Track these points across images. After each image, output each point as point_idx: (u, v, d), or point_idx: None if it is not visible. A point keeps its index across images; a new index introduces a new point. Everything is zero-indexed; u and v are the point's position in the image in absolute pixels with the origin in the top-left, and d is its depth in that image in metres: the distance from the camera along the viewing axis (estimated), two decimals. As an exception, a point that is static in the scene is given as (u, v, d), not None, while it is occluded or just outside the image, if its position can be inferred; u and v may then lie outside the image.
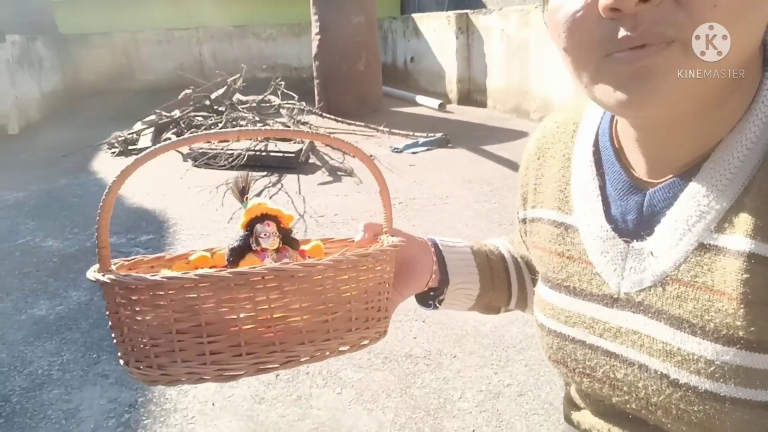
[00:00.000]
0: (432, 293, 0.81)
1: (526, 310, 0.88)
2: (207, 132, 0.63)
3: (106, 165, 5.26)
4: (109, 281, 0.56)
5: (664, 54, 0.46)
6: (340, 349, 0.63)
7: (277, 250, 0.68)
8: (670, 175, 0.56)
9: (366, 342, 0.66)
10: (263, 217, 0.69)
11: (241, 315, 0.56)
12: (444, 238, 0.84)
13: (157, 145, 0.58)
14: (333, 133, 5.66)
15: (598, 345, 0.60)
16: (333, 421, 1.86)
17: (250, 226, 0.69)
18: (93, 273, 0.58)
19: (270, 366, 0.58)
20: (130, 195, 4.20)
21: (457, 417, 1.85)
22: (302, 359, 0.60)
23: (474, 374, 2.06)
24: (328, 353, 0.62)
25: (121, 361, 0.59)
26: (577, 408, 0.70)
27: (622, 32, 0.47)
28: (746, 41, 0.47)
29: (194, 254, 0.74)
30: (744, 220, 0.50)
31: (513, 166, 4.56)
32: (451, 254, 0.82)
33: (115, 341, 0.60)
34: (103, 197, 0.55)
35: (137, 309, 0.56)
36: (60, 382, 2.09)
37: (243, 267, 0.60)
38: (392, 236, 0.76)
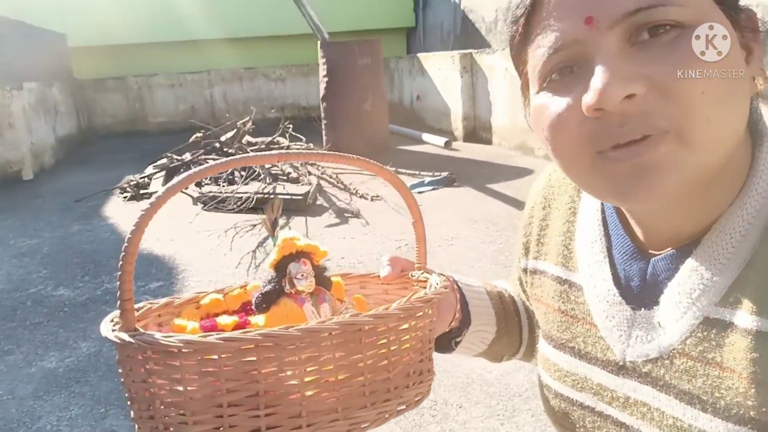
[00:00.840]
0: (451, 334, 0.76)
1: (531, 361, 0.84)
2: (240, 157, 0.55)
3: (117, 210, 5.35)
4: (138, 344, 0.47)
5: (661, 147, 0.46)
6: (398, 409, 0.56)
7: (312, 293, 0.61)
8: (675, 244, 0.55)
9: (420, 398, 0.60)
10: (297, 255, 0.61)
11: (305, 379, 0.49)
12: (460, 277, 0.80)
13: (178, 179, 0.51)
14: (341, 173, 5.73)
15: (608, 413, 0.59)
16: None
17: (281, 264, 0.61)
18: (114, 331, 0.49)
19: None
20: (141, 241, 4.26)
21: (462, 472, 1.84)
22: (363, 426, 0.53)
23: (480, 425, 2.05)
24: (387, 416, 0.55)
25: None
26: None
27: (610, 129, 0.47)
28: (736, 123, 0.48)
29: (205, 297, 0.67)
30: (749, 296, 0.49)
31: (518, 204, 4.58)
32: (471, 293, 0.78)
33: (135, 418, 0.51)
34: (125, 245, 0.49)
35: (176, 377, 0.47)
36: (68, 437, 2.11)
37: (301, 324, 0.50)
38: (424, 272, 0.70)
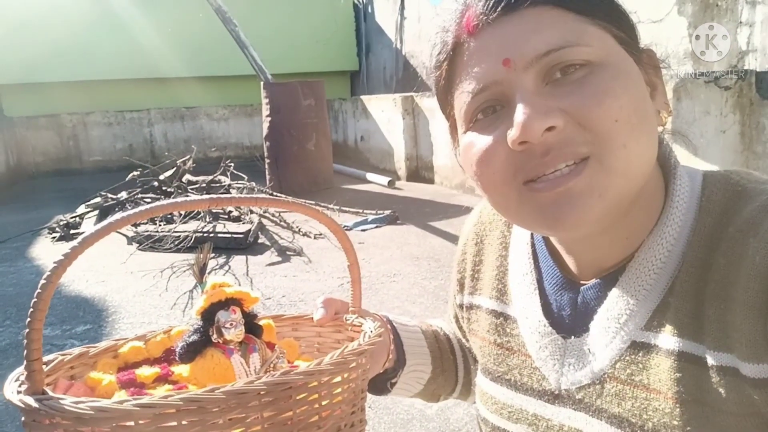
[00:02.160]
0: (386, 375, 0.75)
1: (467, 399, 0.85)
2: (158, 204, 0.52)
3: (45, 251, 5.08)
4: (46, 411, 0.43)
5: (583, 174, 0.49)
6: None
7: (241, 341, 0.59)
8: (600, 275, 0.58)
9: None
10: (227, 302, 0.58)
11: None
12: (395, 316, 0.80)
13: (100, 226, 0.48)
14: (283, 212, 5.68)
15: None
16: None
17: (209, 312, 0.58)
18: (18, 394, 0.45)
19: None
20: (68, 282, 4.05)
21: None
22: None
23: (420, 462, 2.02)
24: None
25: None
26: None
27: (534, 160, 0.50)
28: (649, 150, 0.52)
29: (125, 345, 0.63)
30: (670, 320, 0.52)
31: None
32: (406, 333, 0.78)
33: None
34: (35, 300, 0.45)
35: None
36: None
37: (227, 383, 0.47)
38: (358, 315, 0.69)
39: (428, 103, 7.47)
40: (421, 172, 7.87)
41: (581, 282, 0.60)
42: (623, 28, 0.53)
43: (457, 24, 0.54)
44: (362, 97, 9.49)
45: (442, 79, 0.58)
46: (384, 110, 8.46)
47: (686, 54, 4.21)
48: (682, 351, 0.50)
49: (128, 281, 4.10)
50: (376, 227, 5.37)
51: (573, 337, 0.59)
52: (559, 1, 0.51)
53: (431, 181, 7.62)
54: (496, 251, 0.71)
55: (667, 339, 0.51)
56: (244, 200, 0.57)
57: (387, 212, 5.62)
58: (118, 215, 0.49)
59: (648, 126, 0.51)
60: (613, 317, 0.55)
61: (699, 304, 0.50)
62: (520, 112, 0.49)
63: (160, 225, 5.27)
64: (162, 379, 0.60)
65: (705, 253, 0.52)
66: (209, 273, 0.59)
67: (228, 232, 4.86)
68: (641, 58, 0.54)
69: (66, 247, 0.46)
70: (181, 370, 0.61)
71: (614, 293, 0.55)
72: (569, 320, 0.60)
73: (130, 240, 5.09)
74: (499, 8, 0.51)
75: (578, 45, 0.50)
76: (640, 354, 0.53)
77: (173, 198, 6.24)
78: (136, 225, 5.26)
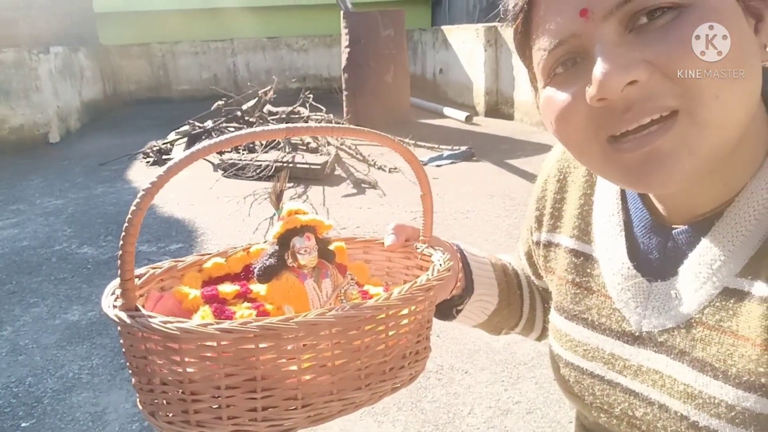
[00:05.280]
0: (453, 302, 0.77)
1: (529, 335, 0.86)
2: (248, 131, 0.53)
3: (140, 174, 5.45)
4: (139, 327, 0.47)
5: (671, 132, 0.46)
6: (393, 388, 0.57)
7: (314, 267, 0.61)
8: (694, 218, 0.56)
9: (414, 376, 0.60)
10: (301, 229, 0.61)
11: (303, 366, 0.50)
12: (466, 245, 0.80)
13: (182, 156, 0.49)
14: (359, 145, 5.75)
15: (618, 382, 0.60)
16: (344, 432, 1.92)
17: (285, 237, 0.61)
18: (115, 310, 0.49)
19: (325, 416, 0.52)
20: (162, 204, 4.36)
21: (465, 432, 1.89)
22: (356, 405, 0.54)
23: (484, 390, 2.10)
24: (381, 395, 0.56)
25: (145, 411, 0.51)
26: None
27: (615, 116, 0.47)
28: (747, 97, 0.47)
29: (208, 260, 0.67)
30: (767, 267, 0.50)
31: (536, 180, 4.56)
32: (476, 263, 0.79)
33: (136, 386, 0.52)
34: (126, 225, 0.48)
35: (175, 359, 0.48)
36: (89, 385, 2.21)
37: (302, 313, 0.49)
38: (429, 244, 0.70)
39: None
40: (500, 107, 7.64)
41: (673, 226, 0.58)
42: None
43: None
44: (443, 27, 9.17)
45: (518, 32, 0.56)
46: (465, 41, 8.17)
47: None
48: None
49: (215, 205, 4.36)
50: (452, 163, 5.34)
51: (660, 280, 0.57)
52: None
53: (511, 117, 7.39)
54: (580, 189, 0.69)
55: (762, 287, 0.50)
56: (319, 129, 0.57)
57: (463, 148, 5.55)
58: (199, 145, 0.51)
59: (747, 69, 0.47)
60: (705, 263, 0.53)
61: None
62: (598, 67, 0.46)
63: (243, 154, 5.49)
64: (241, 296, 0.64)
65: None
66: (288, 200, 0.63)
67: (306, 163, 4.99)
68: None
69: (158, 171, 0.49)
70: (259, 288, 0.64)
71: (709, 238, 0.53)
72: (657, 264, 0.58)
73: (216, 167, 5.35)
74: None
75: None
76: (732, 301, 0.52)
77: (255, 127, 6.47)
78: (221, 153, 5.50)
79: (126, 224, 0.48)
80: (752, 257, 0.51)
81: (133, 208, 0.48)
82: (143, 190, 0.48)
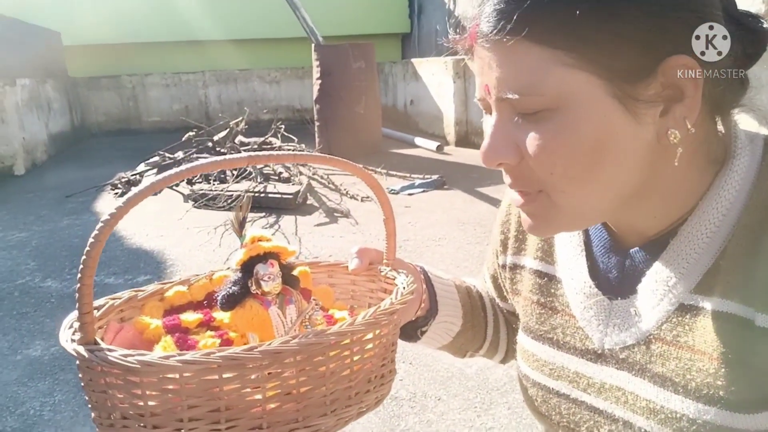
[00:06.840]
0: (417, 323, 0.78)
1: (493, 358, 0.87)
2: (209, 161, 0.53)
3: (107, 206, 5.36)
4: (98, 361, 0.46)
5: (535, 204, 0.55)
6: (358, 413, 0.57)
7: (278, 293, 0.61)
8: (647, 239, 0.58)
9: (380, 399, 0.60)
10: (265, 256, 0.60)
11: (267, 394, 0.50)
12: (431, 267, 0.82)
13: (141, 187, 0.49)
14: (331, 174, 5.77)
15: (582, 400, 0.61)
16: (316, 464, 1.87)
17: (248, 264, 0.60)
18: (73, 344, 0.48)
19: None
20: (130, 235, 4.28)
21: (438, 460, 1.87)
22: (322, 431, 0.54)
23: (457, 417, 2.09)
24: (347, 420, 0.56)
25: None
26: None
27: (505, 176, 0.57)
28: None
29: (169, 289, 0.66)
30: (720, 282, 0.52)
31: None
32: (440, 284, 0.80)
33: (95, 421, 0.51)
34: (84, 258, 0.47)
35: (136, 392, 0.47)
36: (51, 422, 2.12)
37: (266, 342, 0.49)
38: (393, 267, 0.71)
39: (480, 67, 7.33)
40: (470, 137, 7.78)
41: (630, 244, 0.60)
42: (617, 57, 0.47)
43: (469, 30, 0.56)
44: (413, 60, 9.37)
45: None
46: (434, 73, 8.35)
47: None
48: (731, 313, 0.51)
49: (185, 236, 4.30)
50: (423, 191, 5.39)
51: (619, 298, 0.59)
52: (536, 36, 0.48)
53: (480, 147, 7.52)
54: None
55: (716, 302, 0.52)
56: (281, 157, 0.57)
57: (434, 177, 5.62)
58: (162, 174, 0.50)
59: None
60: (661, 280, 0.55)
61: (751, 268, 0.51)
62: (484, 140, 0.54)
63: (213, 184, 5.46)
64: (205, 324, 0.64)
65: (761, 217, 0.51)
66: (250, 227, 0.63)
67: (278, 193, 4.98)
68: (655, 73, 0.48)
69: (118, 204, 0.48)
70: (222, 316, 0.64)
71: (664, 257, 0.56)
72: (616, 282, 0.61)
73: (186, 198, 5.30)
74: (491, 33, 0.50)
75: (529, 95, 0.49)
76: (688, 316, 0.54)
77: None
78: (191, 184, 5.46)
79: (84, 256, 0.47)
80: (705, 273, 0.53)
81: (91, 240, 0.47)
82: (101, 221, 0.48)
